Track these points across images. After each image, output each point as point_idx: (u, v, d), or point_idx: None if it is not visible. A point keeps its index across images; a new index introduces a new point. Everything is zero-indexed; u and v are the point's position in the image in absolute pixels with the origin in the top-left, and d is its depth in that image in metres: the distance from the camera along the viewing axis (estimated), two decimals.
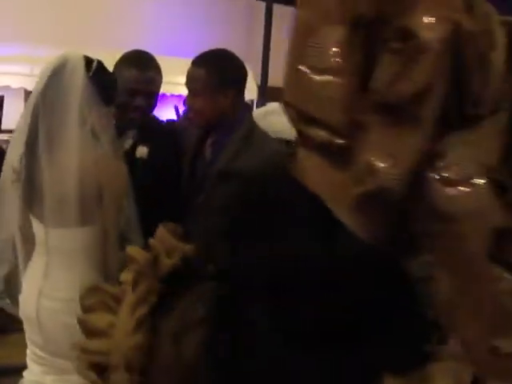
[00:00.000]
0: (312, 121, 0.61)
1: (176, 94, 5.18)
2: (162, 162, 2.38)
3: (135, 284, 0.78)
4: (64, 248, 1.98)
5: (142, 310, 0.75)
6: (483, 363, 0.59)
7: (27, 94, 8.30)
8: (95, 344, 0.81)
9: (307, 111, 0.62)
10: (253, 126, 2.29)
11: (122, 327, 0.76)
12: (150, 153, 2.39)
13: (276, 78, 6.71)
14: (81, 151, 1.90)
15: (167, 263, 0.76)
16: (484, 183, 0.51)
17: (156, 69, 2.43)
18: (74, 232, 1.94)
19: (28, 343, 2.13)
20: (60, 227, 1.95)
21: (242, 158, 2.15)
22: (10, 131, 6.99)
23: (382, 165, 0.54)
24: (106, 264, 1.93)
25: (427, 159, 0.54)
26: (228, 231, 0.72)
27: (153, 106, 2.45)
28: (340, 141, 0.59)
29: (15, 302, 2.15)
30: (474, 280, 0.54)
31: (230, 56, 2.34)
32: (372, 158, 0.55)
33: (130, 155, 2.31)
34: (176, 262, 0.76)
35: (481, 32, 0.55)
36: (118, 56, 2.47)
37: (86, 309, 0.87)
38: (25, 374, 2.16)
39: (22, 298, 2.10)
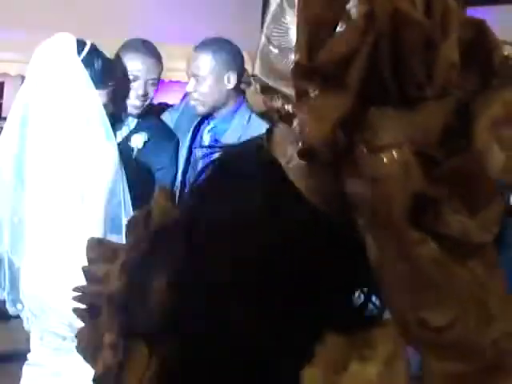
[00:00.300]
0: (272, 91, 0.69)
1: (174, 80, 5.20)
2: (158, 153, 2.43)
3: (128, 234, 0.84)
4: (58, 229, 2.01)
5: (128, 258, 0.82)
6: (412, 336, 0.62)
7: (23, 79, 8.34)
8: (91, 288, 0.88)
9: (267, 81, 0.70)
10: (251, 112, 2.32)
11: (113, 274, 0.82)
12: (145, 142, 2.44)
13: None
14: (69, 134, 1.92)
15: (158, 219, 0.82)
16: (409, 152, 0.56)
17: (157, 57, 2.46)
18: (66, 214, 1.97)
19: (29, 325, 2.17)
20: (52, 211, 1.98)
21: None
22: None
23: (308, 124, 0.61)
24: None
25: (357, 126, 0.59)
26: (197, 191, 0.80)
27: (152, 95, 2.48)
28: (289, 107, 0.66)
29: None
30: (395, 243, 0.58)
31: (230, 43, 2.39)
32: (302, 120, 0.62)
33: (125, 143, 2.36)
34: (166, 220, 0.82)
35: (430, 22, 0.60)
36: (116, 44, 2.51)
37: (90, 260, 0.92)
38: (29, 356, 2.20)
39: (23, 280, 2.13)
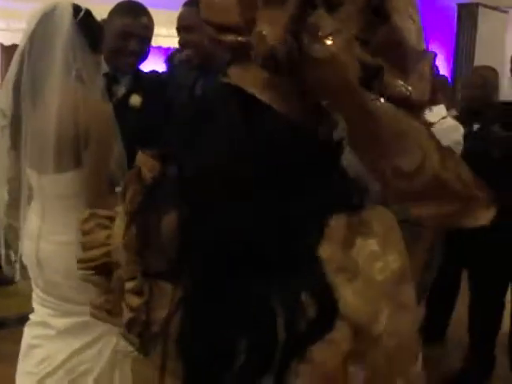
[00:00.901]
0: (222, 28, 0.81)
1: (155, 45, 5.18)
2: (155, 111, 2.45)
3: (123, 195, 0.90)
4: (56, 193, 2.02)
5: (131, 209, 0.87)
6: (392, 188, 0.74)
7: (4, 48, 8.19)
8: (96, 251, 0.93)
9: (216, 21, 0.82)
10: None
11: (118, 232, 0.88)
12: (142, 102, 2.47)
13: None
14: (64, 95, 1.93)
15: (148, 176, 0.88)
16: (346, 34, 0.69)
17: (148, 16, 2.49)
18: (63, 177, 1.98)
19: (33, 286, 2.19)
20: (49, 173, 1.98)
21: None
22: None
23: (265, 31, 0.75)
24: (99, 207, 1.95)
25: (302, 27, 0.74)
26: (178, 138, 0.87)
27: (146, 52, 2.51)
28: (242, 38, 0.80)
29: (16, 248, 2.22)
30: (356, 106, 0.71)
31: None
32: (258, 30, 0.75)
33: (122, 103, 2.38)
34: (156, 175, 0.88)
35: None
36: (104, 11, 2.52)
37: (85, 232, 0.98)
38: (31, 316, 2.22)
39: (24, 242, 2.15)
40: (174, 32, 2.51)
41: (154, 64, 3.85)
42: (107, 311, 0.93)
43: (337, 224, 0.75)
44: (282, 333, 0.71)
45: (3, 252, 2.21)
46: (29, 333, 2.19)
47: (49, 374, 2.10)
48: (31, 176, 2.08)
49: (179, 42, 2.37)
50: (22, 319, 3.22)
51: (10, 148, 2.09)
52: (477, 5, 7.00)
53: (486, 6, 6.82)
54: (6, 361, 2.26)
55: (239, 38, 0.78)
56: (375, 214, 0.77)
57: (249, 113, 0.77)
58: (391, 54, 0.75)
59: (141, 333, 0.84)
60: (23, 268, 2.21)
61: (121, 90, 2.44)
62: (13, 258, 2.23)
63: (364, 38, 0.75)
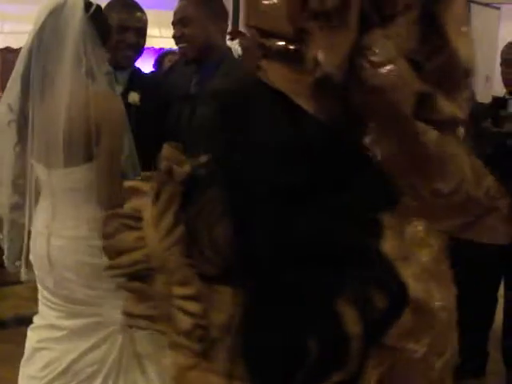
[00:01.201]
0: (269, 35, 0.79)
1: (148, 46, 5.19)
2: (154, 108, 2.45)
3: (157, 195, 0.86)
4: (67, 187, 1.99)
5: (170, 214, 0.84)
6: (429, 205, 0.77)
7: None
8: (130, 257, 0.87)
9: (264, 27, 0.80)
10: (233, 63, 2.36)
11: (153, 236, 0.84)
12: (141, 99, 2.47)
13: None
14: (75, 89, 1.90)
15: (181, 172, 0.86)
16: (403, 62, 0.69)
17: (142, 11, 2.52)
18: (74, 171, 1.95)
19: (40, 288, 2.15)
20: (59, 167, 1.96)
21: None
22: None
23: (323, 57, 0.73)
24: (110, 200, 1.93)
25: (357, 51, 0.73)
26: (219, 135, 0.87)
27: (142, 45, 2.53)
28: (292, 46, 0.78)
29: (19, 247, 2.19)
30: (406, 137, 0.72)
31: None
32: (316, 54, 0.74)
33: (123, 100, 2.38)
34: (188, 171, 0.86)
35: None
36: None
37: (108, 235, 0.91)
38: (35, 319, 2.19)
39: (33, 241, 2.12)
40: (167, 33, 2.53)
41: (146, 65, 3.86)
42: (148, 318, 0.89)
43: (390, 215, 0.79)
44: (356, 325, 0.73)
45: (7, 251, 2.18)
46: (33, 336, 2.15)
47: (55, 379, 2.07)
48: (39, 171, 2.05)
49: (174, 35, 2.39)
50: (19, 320, 3.25)
51: (17, 144, 2.07)
52: (469, 1, 7.03)
53: (478, 2, 6.86)
54: (5, 362, 2.26)
55: (290, 46, 0.78)
56: (409, 203, 0.82)
57: (292, 117, 0.78)
58: (443, 78, 0.76)
59: (201, 338, 0.83)
60: (26, 268, 2.18)
61: (119, 88, 2.45)
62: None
63: (417, 59, 0.74)
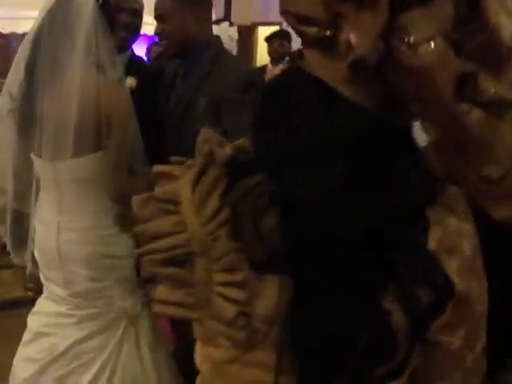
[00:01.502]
0: (305, 20, 0.77)
1: (141, 33, 5.17)
2: (150, 93, 2.40)
3: (197, 179, 0.83)
4: (74, 178, 1.94)
5: (215, 198, 0.80)
6: (479, 191, 0.77)
7: None
8: (168, 241, 0.83)
9: (300, 13, 0.78)
10: (220, 48, 2.29)
11: (194, 220, 0.81)
12: (138, 84, 2.42)
13: (239, 17, 6.61)
14: (85, 80, 1.85)
15: (224, 154, 0.82)
16: (441, 41, 0.67)
17: None
18: (82, 161, 1.90)
19: (44, 282, 2.12)
20: (66, 158, 1.90)
21: (211, 79, 2.17)
22: None
23: (354, 39, 0.71)
24: (119, 189, 1.92)
25: (393, 32, 0.70)
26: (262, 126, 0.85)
27: (138, 27, 2.51)
28: (328, 32, 0.75)
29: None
30: (449, 119, 0.71)
31: None
32: (348, 36, 0.71)
33: None
34: (231, 154, 0.82)
35: None
36: None
37: (144, 219, 0.86)
38: (38, 305, 2.15)
39: (39, 239, 2.07)
40: None
41: (139, 52, 3.81)
42: (184, 305, 0.83)
43: (434, 207, 0.78)
44: (402, 320, 0.72)
45: (9, 241, 2.14)
46: (36, 321, 2.11)
47: (51, 362, 2.05)
48: (40, 165, 1.99)
49: (155, 31, 2.37)
50: (4, 304, 3.22)
51: (17, 134, 2.01)
52: None
53: None
54: None
55: (325, 32, 0.75)
56: (449, 191, 0.80)
57: (332, 105, 0.78)
58: (486, 57, 0.71)
59: (244, 327, 0.79)
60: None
61: (117, 73, 2.44)
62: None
63: (457, 38, 0.70)
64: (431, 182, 0.80)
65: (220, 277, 0.79)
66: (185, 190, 0.83)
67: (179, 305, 0.84)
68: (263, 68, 4.89)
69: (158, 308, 0.87)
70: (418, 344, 0.75)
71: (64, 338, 2.03)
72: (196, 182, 0.82)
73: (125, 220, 1.96)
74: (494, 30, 0.71)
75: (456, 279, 0.75)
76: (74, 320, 2.03)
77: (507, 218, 0.76)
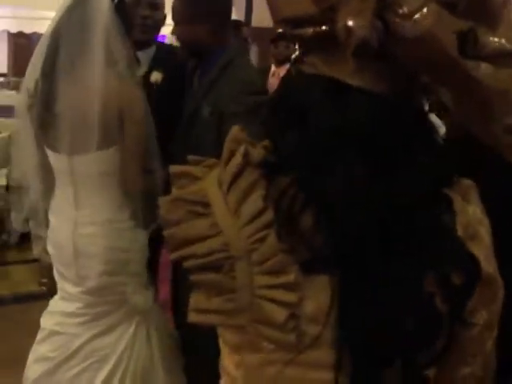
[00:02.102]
0: (300, 23, 0.76)
1: None
2: (176, 87, 2.36)
3: (234, 178, 0.80)
4: (90, 172, 1.95)
5: (255, 199, 0.78)
6: (503, 144, 0.76)
7: (10, 36, 8.19)
8: (205, 246, 0.79)
9: (294, 16, 0.77)
10: (232, 57, 2.24)
11: (230, 222, 0.79)
12: (164, 78, 2.39)
13: (260, 19, 6.60)
14: (102, 76, 1.86)
15: (258, 154, 0.80)
16: (434, 5, 0.67)
17: None
18: (98, 155, 1.91)
19: (58, 279, 2.11)
20: (83, 152, 1.91)
21: (218, 88, 2.14)
22: None
23: (352, 22, 0.70)
24: (132, 185, 1.94)
25: (387, 8, 0.69)
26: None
27: (158, 20, 2.45)
28: (323, 27, 0.75)
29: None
30: (461, 78, 0.70)
31: None
32: (344, 22, 0.71)
33: (144, 81, 2.26)
34: (264, 152, 0.80)
35: None
36: None
37: (174, 222, 0.82)
38: (52, 305, 2.15)
39: (54, 234, 2.07)
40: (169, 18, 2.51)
41: None
42: (225, 312, 0.80)
43: (454, 195, 0.78)
44: (444, 304, 0.73)
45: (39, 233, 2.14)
46: (50, 319, 2.11)
47: (64, 361, 2.05)
48: (55, 160, 2.00)
49: (172, 31, 2.33)
50: (17, 299, 3.27)
51: (36, 130, 2.01)
52: None
53: None
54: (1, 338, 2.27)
55: (319, 29, 0.76)
56: (465, 183, 0.81)
57: (343, 100, 0.78)
58: (479, 10, 0.72)
59: (294, 329, 0.77)
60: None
61: (141, 70, 2.36)
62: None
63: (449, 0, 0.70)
64: (448, 165, 0.80)
65: (264, 280, 0.77)
66: (214, 192, 0.80)
67: (218, 312, 0.81)
68: (266, 70, 4.83)
69: (193, 317, 0.83)
70: (456, 327, 0.76)
71: (77, 337, 2.03)
72: (231, 183, 0.80)
73: (139, 215, 1.98)
74: None
75: (483, 263, 0.76)
76: (86, 318, 2.03)
77: None
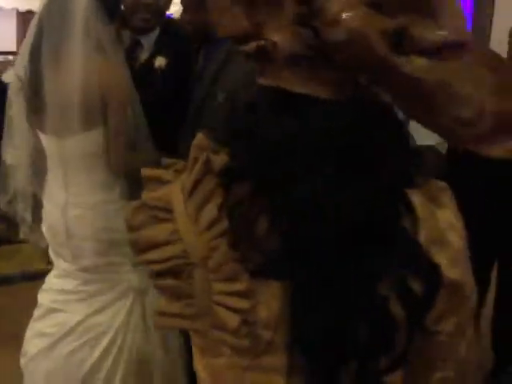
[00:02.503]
0: (242, 39, 0.76)
1: None
2: (181, 72, 2.33)
3: (193, 186, 0.81)
4: (78, 154, 1.98)
5: (212, 207, 0.79)
6: (458, 136, 0.74)
7: (19, 14, 8.20)
8: (164, 252, 0.81)
9: (234, 34, 0.77)
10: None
11: (190, 229, 0.79)
12: (168, 63, 2.33)
13: None
14: (84, 60, 1.89)
15: (219, 162, 0.79)
16: (359, 7, 0.66)
17: None
18: (85, 136, 1.94)
19: (53, 257, 2.17)
20: (70, 134, 1.95)
21: (227, 72, 2.11)
22: (3, 53, 6.95)
23: (276, 37, 0.71)
24: (117, 165, 1.97)
25: (314, 16, 0.69)
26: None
27: (161, 6, 2.37)
28: (262, 42, 0.74)
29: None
30: (392, 77, 0.69)
31: None
32: (269, 40, 0.72)
33: (146, 67, 2.29)
34: (226, 161, 0.80)
35: None
36: None
37: (136, 227, 0.83)
38: (48, 282, 2.20)
39: (47, 216, 2.11)
40: None
41: None
42: (186, 317, 0.82)
43: (420, 198, 0.77)
44: (400, 309, 0.73)
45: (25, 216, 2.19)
46: (47, 297, 2.15)
47: (62, 337, 2.09)
48: (47, 142, 2.03)
49: (174, 13, 2.34)
50: (25, 277, 3.32)
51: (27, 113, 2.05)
52: None
53: None
54: (8, 316, 2.31)
55: (260, 43, 0.74)
56: (436, 185, 0.79)
57: (289, 108, 0.75)
58: (416, 4, 0.70)
59: (247, 335, 0.78)
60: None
61: (144, 54, 2.35)
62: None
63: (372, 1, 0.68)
64: (411, 164, 0.78)
65: (219, 286, 0.78)
66: (178, 198, 0.81)
67: (179, 316, 0.82)
68: None
69: (159, 320, 0.85)
70: (416, 334, 0.75)
71: (74, 314, 2.07)
72: (192, 189, 0.80)
73: (130, 194, 2.01)
74: None
75: (448, 270, 0.74)
76: (82, 296, 2.07)
77: (504, 155, 0.74)
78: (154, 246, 0.81)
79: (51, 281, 2.16)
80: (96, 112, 1.91)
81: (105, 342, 2.07)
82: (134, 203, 0.84)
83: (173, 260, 0.79)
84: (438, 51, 0.69)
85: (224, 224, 0.77)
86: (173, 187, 0.82)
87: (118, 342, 2.09)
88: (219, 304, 0.78)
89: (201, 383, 0.89)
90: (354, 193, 0.74)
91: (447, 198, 0.80)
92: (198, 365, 0.88)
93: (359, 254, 0.74)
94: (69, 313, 2.07)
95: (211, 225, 0.78)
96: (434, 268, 0.74)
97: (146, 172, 0.86)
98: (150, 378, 2.13)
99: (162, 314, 0.83)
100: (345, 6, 0.67)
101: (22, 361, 2.18)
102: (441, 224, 0.77)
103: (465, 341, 0.80)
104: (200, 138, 0.83)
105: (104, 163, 1.97)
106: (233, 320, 0.77)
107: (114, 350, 2.08)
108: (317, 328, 0.75)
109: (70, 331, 2.07)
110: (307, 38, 0.69)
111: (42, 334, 2.11)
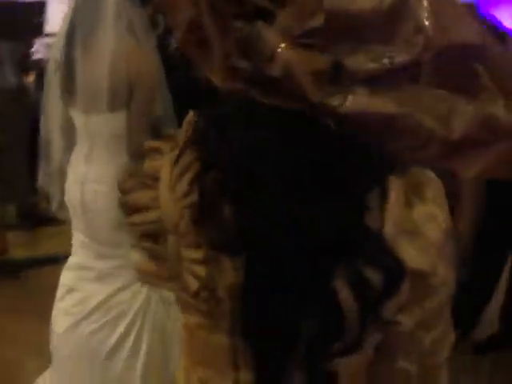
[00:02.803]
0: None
1: None
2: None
3: (177, 157, 0.85)
4: (102, 132, 2.05)
5: (188, 178, 0.83)
6: (411, 158, 0.74)
7: None
8: (143, 216, 0.87)
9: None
10: None
11: (167, 197, 0.84)
12: None
13: None
14: (115, 41, 1.96)
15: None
16: (289, 47, 0.65)
17: None
18: (110, 117, 2.02)
19: (73, 229, 2.24)
20: (96, 112, 2.02)
21: None
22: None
23: (215, 81, 0.72)
24: (137, 148, 1.97)
25: (249, 50, 0.68)
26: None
27: None
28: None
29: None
30: (333, 117, 0.66)
31: None
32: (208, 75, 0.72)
33: (176, 54, 2.36)
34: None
35: None
36: None
37: (126, 191, 0.90)
38: (70, 258, 2.28)
39: (68, 186, 2.18)
40: None
41: None
42: (161, 277, 0.89)
43: (398, 187, 0.76)
44: (352, 302, 0.73)
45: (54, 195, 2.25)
46: (67, 275, 2.23)
47: (85, 317, 2.15)
48: (77, 117, 2.11)
49: None
50: (67, 257, 3.37)
51: (61, 93, 2.13)
52: None
53: None
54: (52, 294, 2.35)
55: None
56: (422, 176, 0.78)
57: (252, 114, 0.75)
58: (345, 30, 0.65)
59: (207, 299, 0.82)
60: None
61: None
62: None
63: (306, 41, 0.66)
64: (376, 164, 0.75)
65: (185, 253, 0.83)
66: (166, 167, 0.86)
67: (156, 276, 0.90)
68: None
69: (139, 277, 0.93)
70: (371, 322, 0.74)
71: (91, 294, 2.13)
72: (176, 160, 0.84)
73: None
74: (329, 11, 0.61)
75: (413, 260, 0.73)
76: (100, 273, 2.13)
77: (478, 174, 0.70)
78: (138, 209, 0.87)
79: (71, 259, 2.23)
80: (121, 95, 1.95)
81: (125, 322, 2.13)
82: (128, 168, 0.92)
83: (151, 224, 0.86)
84: (383, 78, 0.64)
85: (192, 197, 0.81)
86: (165, 157, 0.87)
87: (138, 322, 2.14)
88: (185, 269, 0.83)
89: (181, 342, 0.95)
90: (324, 210, 0.74)
91: (433, 189, 0.78)
92: (181, 324, 0.94)
93: (313, 240, 0.74)
94: (84, 292, 2.14)
95: (186, 194, 0.82)
96: (395, 258, 0.73)
97: (148, 143, 0.92)
98: (173, 350, 2.16)
99: (140, 271, 0.91)
100: (275, 44, 0.64)
101: (51, 339, 2.23)
102: (416, 215, 0.75)
103: (430, 335, 0.79)
104: (191, 115, 0.88)
105: (124, 146, 2.01)
106: (193, 284, 0.82)
107: (134, 331, 2.13)
108: (261, 318, 0.77)
109: (93, 311, 2.13)
110: (245, 71, 0.66)
111: (67, 313, 2.17)
